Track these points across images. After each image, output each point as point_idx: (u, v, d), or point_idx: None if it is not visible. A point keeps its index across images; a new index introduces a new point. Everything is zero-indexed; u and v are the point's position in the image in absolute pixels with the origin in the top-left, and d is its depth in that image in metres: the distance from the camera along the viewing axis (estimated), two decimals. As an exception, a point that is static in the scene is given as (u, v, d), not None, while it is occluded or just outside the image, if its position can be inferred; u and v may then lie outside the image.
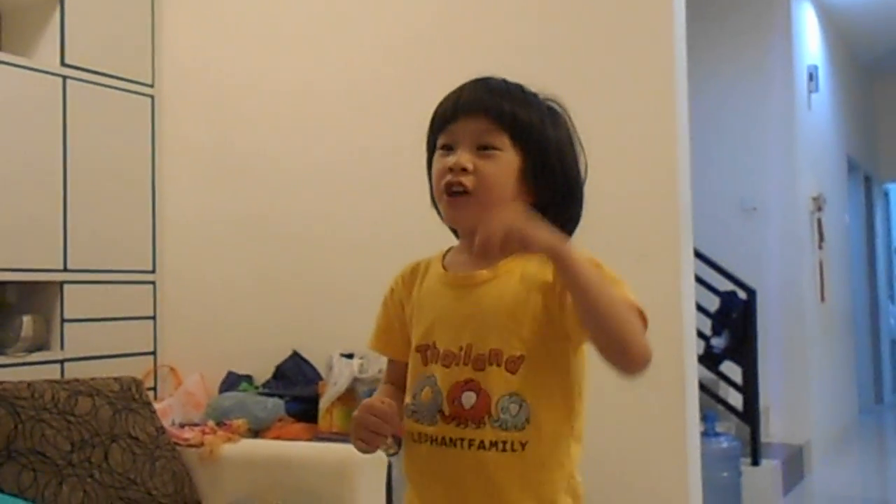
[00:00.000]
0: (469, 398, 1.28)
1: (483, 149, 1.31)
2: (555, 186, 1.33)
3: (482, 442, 1.27)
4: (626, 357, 1.18)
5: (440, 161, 1.34)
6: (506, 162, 1.31)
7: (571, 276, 1.18)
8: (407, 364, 1.38)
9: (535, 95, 1.37)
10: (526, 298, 1.28)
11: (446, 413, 1.29)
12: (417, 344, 1.35)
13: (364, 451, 1.33)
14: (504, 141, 1.31)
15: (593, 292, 1.17)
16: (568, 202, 1.35)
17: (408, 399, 1.35)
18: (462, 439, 1.27)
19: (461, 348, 1.29)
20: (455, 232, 1.42)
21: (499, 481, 1.27)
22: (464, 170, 1.30)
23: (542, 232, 1.19)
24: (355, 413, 1.32)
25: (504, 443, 1.26)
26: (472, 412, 1.27)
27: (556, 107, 1.39)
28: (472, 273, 1.33)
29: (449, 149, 1.33)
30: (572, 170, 1.37)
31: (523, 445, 1.27)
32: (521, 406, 1.27)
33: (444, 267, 1.38)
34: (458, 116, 1.33)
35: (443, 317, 1.33)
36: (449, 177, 1.31)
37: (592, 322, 1.19)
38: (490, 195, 1.30)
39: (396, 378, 1.42)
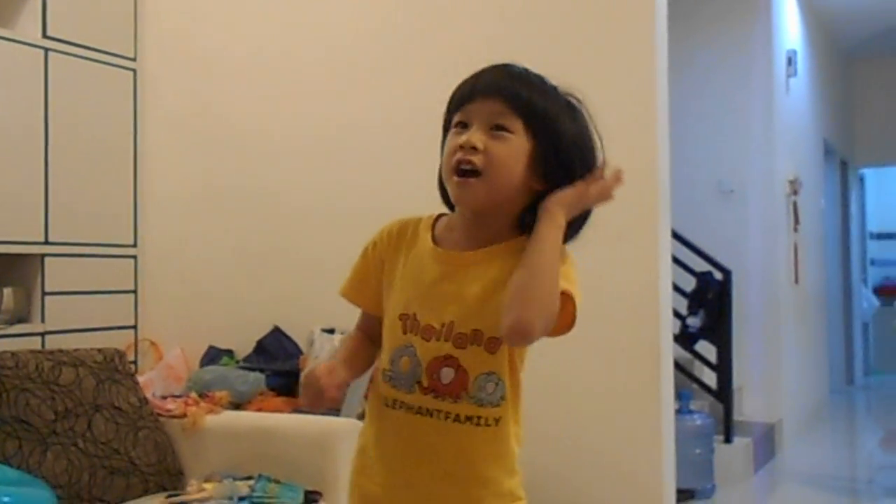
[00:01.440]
0: (447, 374, 1.32)
1: (496, 129, 1.32)
2: (572, 179, 1.34)
3: (457, 415, 1.32)
4: (519, 330, 1.24)
5: (453, 139, 1.35)
6: (516, 145, 1.32)
7: (542, 240, 1.27)
8: (376, 317, 1.42)
9: (554, 88, 1.38)
10: (506, 281, 1.31)
11: (424, 385, 1.33)
12: (400, 312, 1.37)
13: (309, 410, 1.39)
14: (517, 125, 1.32)
15: (545, 268, 1.25)
16: None
17: (385, 365, 1.38)
18: (438, 411, 1.32)
19: (443, 325, 1.33)
20: (451, 207, 1.43)
21: (471, 453, 1.33)
22: (474, 148, 1.31)
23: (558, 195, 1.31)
24: (305, 374, 1.36)
25: (479, 418, 1.32)
26: (450, 387, 1.32)
27: (574, 102, 1.40)
28: (463, 253, 1.36)
29: (463, 126, 1.35)
30: (590, 165, 1.38)
31: (497, 421, 1.33)
32: (497, 384, 1.32)
33: (434, 240, 1.39)
34: (475, 97, 1.34)
35: (426, 291, 1.36)
36: (459, 154, 1.32)
37: (521, 284, 1.25)
38: (498, 176, 1.31)
39: (367, 328, 1.46)
